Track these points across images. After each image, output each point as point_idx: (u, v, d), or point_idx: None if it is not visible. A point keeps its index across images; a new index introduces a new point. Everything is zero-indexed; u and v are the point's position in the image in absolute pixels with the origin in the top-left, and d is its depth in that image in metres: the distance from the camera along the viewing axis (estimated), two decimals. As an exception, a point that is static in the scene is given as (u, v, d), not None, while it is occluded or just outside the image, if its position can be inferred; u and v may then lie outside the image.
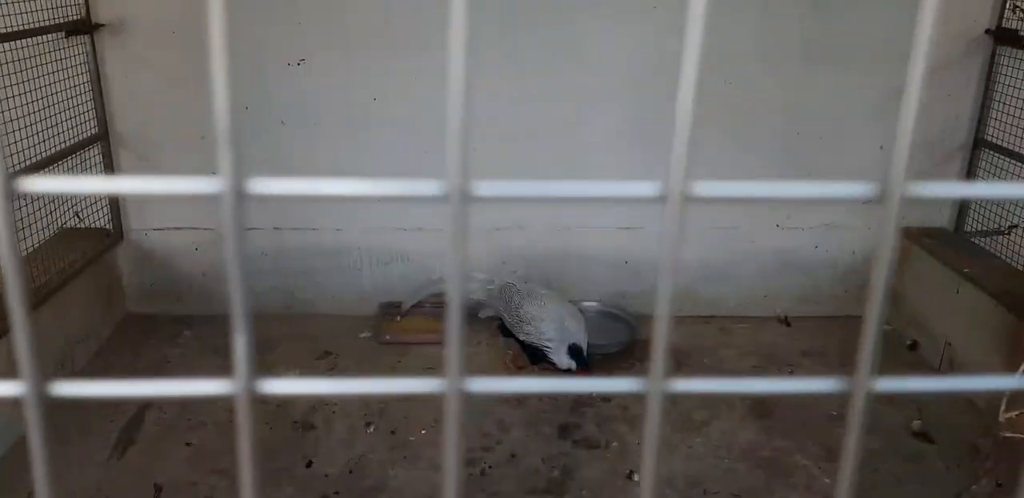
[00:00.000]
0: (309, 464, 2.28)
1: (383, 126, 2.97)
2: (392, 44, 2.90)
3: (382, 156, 3.00)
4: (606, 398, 2.66)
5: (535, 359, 2.79)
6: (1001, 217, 2.96)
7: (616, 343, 2.93)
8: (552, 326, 2.71)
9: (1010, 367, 2.32)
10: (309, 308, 3.13)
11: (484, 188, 0.33)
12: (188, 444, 2.35)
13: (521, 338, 2.77)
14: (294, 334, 2.97)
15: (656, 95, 2.81)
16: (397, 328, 2.99)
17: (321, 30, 2.89)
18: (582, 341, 2.69)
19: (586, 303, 3.19)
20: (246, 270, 0.33)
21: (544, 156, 3.02)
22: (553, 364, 2.72)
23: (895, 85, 3.02)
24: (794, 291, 3.23)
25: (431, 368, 2.77)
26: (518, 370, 2.78)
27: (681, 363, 2.82)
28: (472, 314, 2.95)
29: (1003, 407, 1.95)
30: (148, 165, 3.02)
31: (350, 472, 2.25)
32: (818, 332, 3.10)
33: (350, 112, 2.96)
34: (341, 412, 2.52)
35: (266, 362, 2.77)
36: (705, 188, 0.32)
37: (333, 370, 2.75)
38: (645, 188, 0.33)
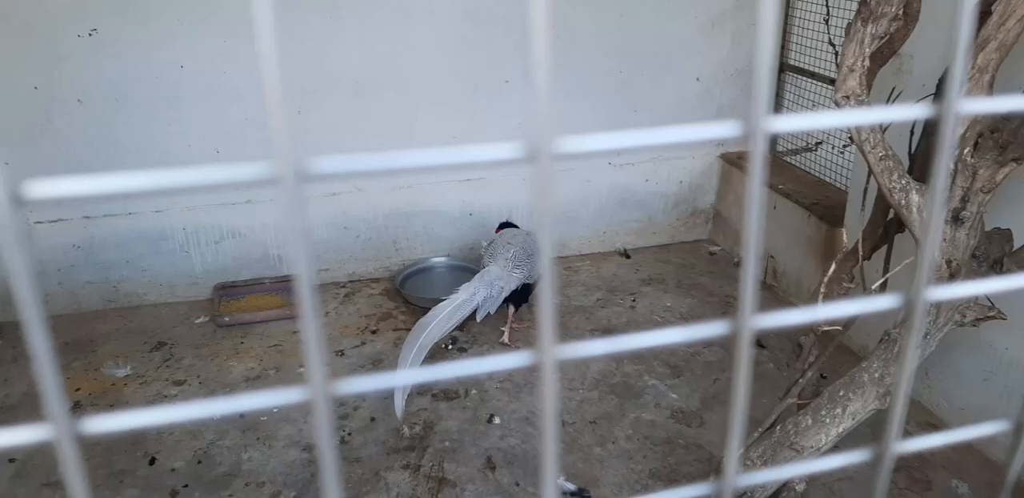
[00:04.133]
0: (152, 461, 2.14)
1: (194, 96, 2.75)
2: (190, 5, 2.66)
3: (196, 129, 2.79)
4: (462, 349, 2.66)
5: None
6: (808, 134, 3.15)
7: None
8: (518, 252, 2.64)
9: (824, 269, 2.49)
10: (135, 300, 2.92)
11: (322, 166, 0.28)
12: (12, 460, 2.14)
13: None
14: (122, 329, 2.76)
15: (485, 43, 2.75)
16: (236, 308, 2.84)
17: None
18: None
19: (435, 259, 3.16)
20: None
21: (375, 112, 2.91)
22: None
23: (704, 21, 3.12)
24: (631, 225, 3.34)
25: (277, 345, 2.66)
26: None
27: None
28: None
29: (819, 301, 2.09)
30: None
31: (199, 462, 2.14)
32: (655, 261, 3.22)
33: (155, 84, 2.72)
34: (182, 403, 2.37)
35: (92, 361, 2.56)
36: (572, 144, 0.30)
37: (170, 360, 2.58)
38: (508, 150, 0.30)
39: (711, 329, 0.33)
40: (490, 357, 0.31)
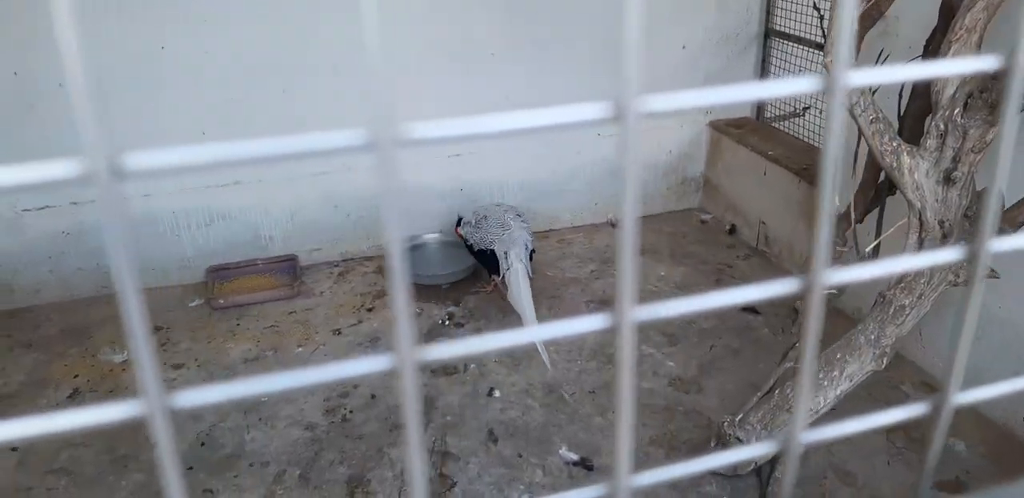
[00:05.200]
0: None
1: (177, 77, 2.71)
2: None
3: (181, 110, 2.75)
4: (459, 324, 2.67)
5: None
6: (796, 99, 3.14)
7: (462, 270, 2.92)
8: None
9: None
10: (129, 284, 2.90)
11: (136, 162, 0.26)
12: (13, 449, 2.14)
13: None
14: (116, 314, 2.73)
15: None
16: (230, 290, 2.83)
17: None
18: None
19: (427, 235, 3.15)
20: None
21: (356, 90, 2.88)
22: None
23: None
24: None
25: (273, 326, 2.66)
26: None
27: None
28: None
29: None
30: None
31: (202, 444, 2.15)
32: (647, 230, 3.22)
33: (137, 65, 2.67)
34: (180, 386, 2.37)
35: (89, 347, 2.56)
36: (419, 131, 0.29)
37: (166, 344, 2.58)
38: (349, 138, 0.29)
39: (592, 322, 0.32)
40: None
